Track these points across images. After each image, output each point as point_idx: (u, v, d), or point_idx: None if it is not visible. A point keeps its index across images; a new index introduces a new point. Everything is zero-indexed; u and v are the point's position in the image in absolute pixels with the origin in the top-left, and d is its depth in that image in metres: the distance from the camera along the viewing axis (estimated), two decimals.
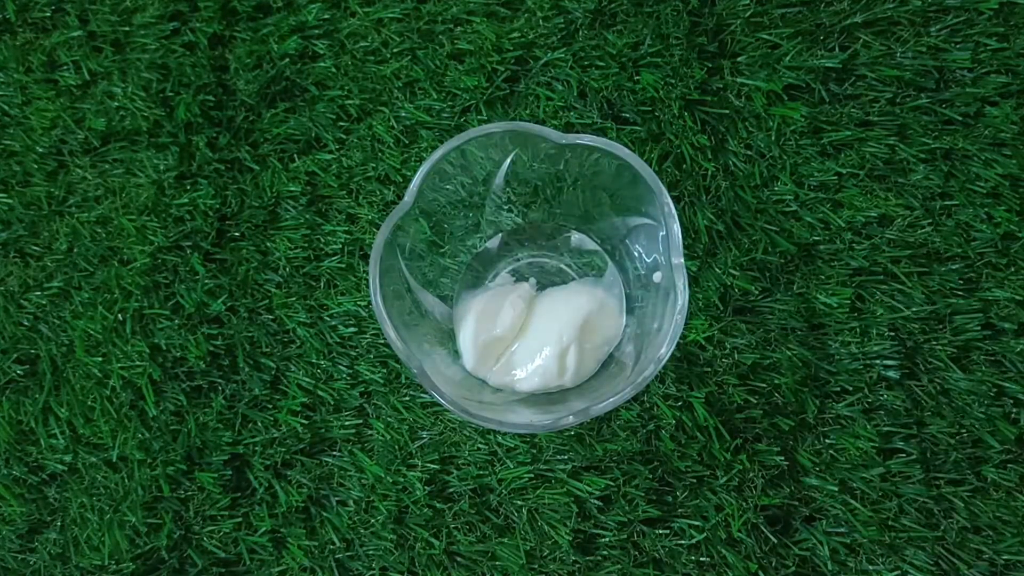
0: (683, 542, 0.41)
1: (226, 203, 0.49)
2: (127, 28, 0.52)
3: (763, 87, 0.46)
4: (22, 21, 0.54)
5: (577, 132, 0.46)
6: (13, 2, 0.54)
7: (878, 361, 0.42)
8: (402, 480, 0.44)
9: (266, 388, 0.46)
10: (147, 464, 0.45)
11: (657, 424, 0.43)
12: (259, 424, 0.45)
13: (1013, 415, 0.42)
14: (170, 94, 0.51)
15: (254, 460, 0.45)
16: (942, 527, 0.41)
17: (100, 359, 0.47)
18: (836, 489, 0.41)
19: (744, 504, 0.41)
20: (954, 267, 0.43)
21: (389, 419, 0.45)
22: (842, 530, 0.41)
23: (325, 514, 0.44)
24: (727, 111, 0.46)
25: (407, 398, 0.45)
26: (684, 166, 0.46)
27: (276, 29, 0.51)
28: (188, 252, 0.48)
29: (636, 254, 0.41)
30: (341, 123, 0.49)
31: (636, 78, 0.47)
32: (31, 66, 0.53)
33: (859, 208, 0.44)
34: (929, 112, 0.45)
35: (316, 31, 0.51)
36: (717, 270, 0.44)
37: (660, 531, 0.42)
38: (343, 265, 0.47)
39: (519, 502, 0.43)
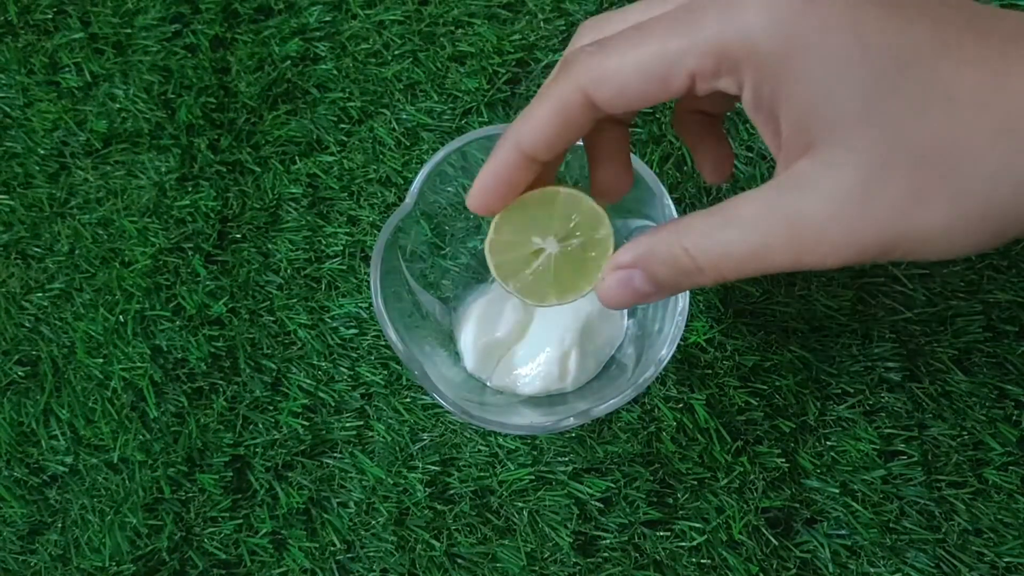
0: (684, 544, 0.41)
1: (227, 205, 0.49)
2: (129, 30, 0.53)
3: None
4: (24, 23, 0.54)
5: None
6: (15, 4, 0.54)
7: (879, 363, 0.42)
8: (403, 482, 0.44)
9: (267, 390, 0.46)
10: (148, 465, 0.45)
11: (658, 426, 0.43)
12: (260, 426, 0.45)
13: (1014, 417, 0.41)
14: (172, 96, 0.51)
15: (255, 461, 0.45)
16: (943, 529, 0.41)
17: (101, 360, 0.47)
18: (837, 491, 0.41)
19: (745, 506, 0.41)
20: (955, 269, 0.43)
21: (390, 421, 0.45)
22: (843, 532, 0.41)
23: (326, 516, 0.44)
24: (728, 113, 0.46)
25: (408, 400, 0.45)
26: (685, 168, 0.46)
27: (277, 31, 0.51)
28: (189, 254, 0.48)
29: None
30: (342, 125, 0.49)
31: None
32: (33, 68, 0.53)
33: None
34: None
35: (317, 33, 0.51)
36: None
37: (661, 533, 0.42)
38: (344, 267, 0.47)
39: (520, 504, 0.43)
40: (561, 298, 0.31)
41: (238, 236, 0.48)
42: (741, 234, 0.24)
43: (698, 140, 0.31)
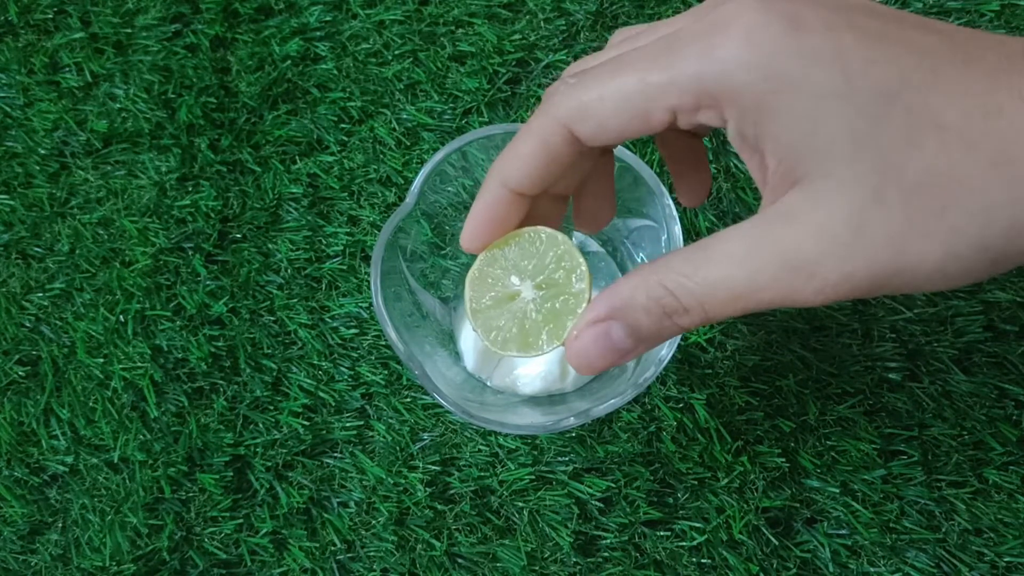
0: (684, 544, 0.41)
1: (228, 205, 0.49)
2: (129, 30, 0.53)
3: None
4: (24, 23, 0.54)
5: None
6: (15, 4, 0.54)
7: (880, 363, 0.42)
8: (403, 482, 0.44)
9: (267, 389, 0.46)
10: (148, 465, 0.45)
11: (658, 426, 0.43)
12: (260, 425, 0.45)
13: (1015, 417, 0.42)
14: (172, 96, 0.51)
15: (255, 461, 0.45)
16: (943, 529, 0.41)
17: (101, 360, 0.47)
18: (837, 491, 0.41)
19: (745, 506, 0.41)
20: None
21: (390, 420, 0.45)
22: (843, 532, 0.41)
23: (326, 515, 0.44)
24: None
25: (408, 400, 0.45)
26: None
27: (278, 31, 0.51)
28: (190, 254, 0.48)
29: (638, 256, 0.41)
30: (343, 125, 0.49)
31: None
32: (33, 68, 0.53)
33: None
34: None
35: (318, 33, 0.51)
36: None
37: (661, 533, 0.42)
38: (344, 267, 0.47)
39: (520, 503, 0.43)
40: (523, 351, 0.30)
41: (238, 236, 0.48)
42: (727, 269, 0.23)
43: (678, 161, 0.31)
